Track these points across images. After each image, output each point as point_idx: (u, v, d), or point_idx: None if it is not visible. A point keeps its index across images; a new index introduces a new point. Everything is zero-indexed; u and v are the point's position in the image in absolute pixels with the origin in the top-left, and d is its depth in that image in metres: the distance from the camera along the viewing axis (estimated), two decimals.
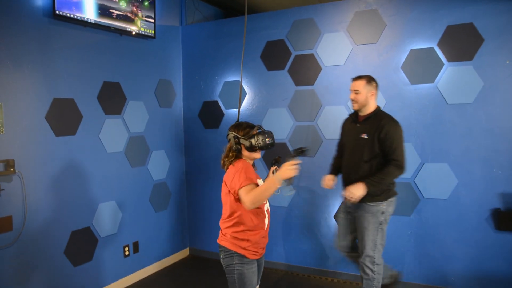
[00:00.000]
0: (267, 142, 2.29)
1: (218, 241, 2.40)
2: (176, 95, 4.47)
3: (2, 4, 2.79)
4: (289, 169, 2.07)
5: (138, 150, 3.93)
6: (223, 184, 2.34)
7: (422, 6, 3.41)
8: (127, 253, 3.79)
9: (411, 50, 3.46)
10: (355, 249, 3.08)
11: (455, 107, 3.35)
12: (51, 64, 3.12)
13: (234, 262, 2.29)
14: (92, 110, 3.45)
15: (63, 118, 3.22)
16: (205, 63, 4.43)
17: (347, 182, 2.91)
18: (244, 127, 2.34)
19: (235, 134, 2.32)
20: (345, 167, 2.99)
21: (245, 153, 2.33)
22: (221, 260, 2.36)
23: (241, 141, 2.30)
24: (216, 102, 4.38)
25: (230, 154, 2.34)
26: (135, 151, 3.88)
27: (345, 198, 2.85)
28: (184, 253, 4.59)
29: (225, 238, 2.33)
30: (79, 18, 3.20)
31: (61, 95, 3.19)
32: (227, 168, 2.35)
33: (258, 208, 2.29)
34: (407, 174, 3.50)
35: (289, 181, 2.11)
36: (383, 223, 2.84)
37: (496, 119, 3.22)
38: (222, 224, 2.37)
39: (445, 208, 3.41)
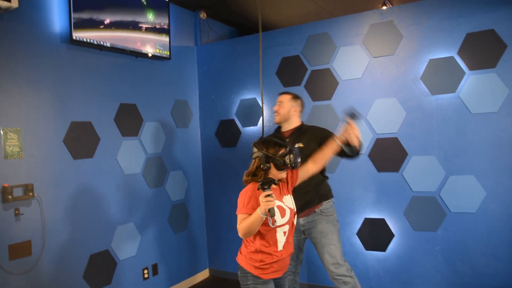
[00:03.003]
0: (298, 161, 2.21)
1: (236, 259, 2.36)
2: (192, 115, 4.47)
3: (20, 31, 2.85)
4: (263, 201, 1.99)
5: (155, 171, 3.91)
6: None
7: (440, 14, 3.34)
8: (146, 275, 3.74)
9: (430, 60, 3.38)
10: (299, 268, 3.12)
11: (480, 116, 3.22)
12: (69, 88, 3.16)
13: (249, 283, 2.24)
14: (109, 132, 3.46)
15: (81, 141, 3.23)
16: (220, 82, 4.43)
17: (303, 193, 2.80)
18: (273, 145, 2.22)
19: (265, 152, 2.20)
20: None
21: (273, 171, 2.22)
22: (238, 277, 2.32)
23: (273, 160, 2.18)
24: (233, 121, 4.36)
25: (259, 174, 2.22)
26: (152, 172, 3.87)
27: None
28: (204, 274, 4.50)
29: (241, 257, 2.30)
30: (95, 42, 3.25)
31: (78, 118, 3.22)
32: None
33: (267, 231, 2.19)
34: (431, 188, 3.38)
35: (270, 212, 2.01)
36: (338, 230, 2.96)
37: None
38: (243, 243, 2.33)
39: (474, 222, 3.25)
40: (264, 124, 4.15)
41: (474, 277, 3.27)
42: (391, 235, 3.57)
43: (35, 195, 2.87)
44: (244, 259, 2.27)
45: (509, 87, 3.13)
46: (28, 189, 2.85)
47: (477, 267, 3.25)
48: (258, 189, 2.06)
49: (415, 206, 3.46)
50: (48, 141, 3.00)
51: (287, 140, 2.90)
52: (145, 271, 3.73)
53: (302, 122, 3.01)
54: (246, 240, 2.27)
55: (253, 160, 2.26)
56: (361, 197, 3.69)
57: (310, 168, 2.51)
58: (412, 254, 3.48)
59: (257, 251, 2.21)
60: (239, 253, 2.34)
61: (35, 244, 2.88)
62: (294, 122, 2.96)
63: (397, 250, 3.55)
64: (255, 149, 2.26)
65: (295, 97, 2.99)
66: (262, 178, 2.21)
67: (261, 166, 2.20)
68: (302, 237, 2.98)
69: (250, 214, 2.12)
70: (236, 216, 2.23)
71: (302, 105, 3.03)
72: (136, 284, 3.64)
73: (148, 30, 3.72)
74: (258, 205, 2.12)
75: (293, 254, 2.99)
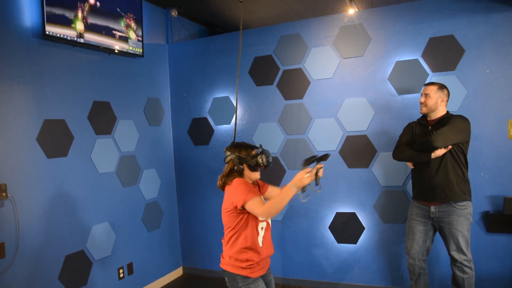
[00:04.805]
0: (270, 161, 2.32)
1: (220, 266, 2.39)
2: (164, 113, 4.45)
3: None
4: (303, 177, 2.11)
5: (129, 170, 3.87)
6: (222, 205, 2.34)
7: (405, 19, 3.56)
8: (121, 275, 3.70)
9: (397, 62, 3.59)
10: (426, 256, 3.14)
11: None
12: (42, 85, 3.07)
13: (240, 285, 2.28)
14: (83, 131, 3.40)
15: (55, 139, 3.15)
16: (193, 80, 4.44)
17: (426, 182, 2.96)
18: (245, 147, 2.35)
19: (238, 154, 2.32)
20: (421, 168, 3.01)
21: (246, 173, 2.34)
22: (227, 284, 2.35)
23: (245, 161, 2.30)
24: (205, 119, 4.39)
25: (232, 175, 2.33)
26: (126, 171, 3.83)
27: (426, 204, 2.99)
28: (177, 272, 4.50)
29: (225, 262, 2.34)
30: (68, 38, 3.18)
31: (52, 116, 3.14)
32: (224, 188, 2.36)
33: (252, 220, 2.28)
34: (398, 182, 3.59)
35: (303, 188, 2.15)
36: (470, 224, 2.97)
37: (481, 125, 3.35)
38: (224, 247, 2.37)
39: None
40: (237, 123, 4.22)
41: (437, 263, 3.52)
42: (361, 228, 3.76)
43: (8, 195, 2.78)
44: (229, 262, 2.30)
45: (467, 89, 3.39)
46: (1, 189, 2.75)
47: (442, 255, 3.49)
48: (308, 163, 2.16)
49: (384, 200, 3.66)
50: (21, 140, 2.91)
51: (430, 128, 2.97)
52: (121, 271, 3.69)
53: (448, 112, 3.03)
54: (229, 240, 2.31)
55: (226, 163, 2.37)
56: (332, 192, 3.84)
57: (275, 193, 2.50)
58: (382, 246, 3.69)
59: (241, 250, 2.26)
60: (221, 259, 2.38)
61: (9, 246, 2.78)
62: (440, 112, 2.99)
63: (367, 242, 3.74)
64: (228, 153, 2.37)
65: (441, 87, 2.99)
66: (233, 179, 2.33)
67: (235, 168, 2.31)
68: (430, 224, 3.04)
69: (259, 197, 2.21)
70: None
71: (448, 94, 3.02)
72: (112, 284, 3.59)
73: (122, 32, 3.68)
74: (254, 190, 2.26)
75: (422, 242, 3.05)
